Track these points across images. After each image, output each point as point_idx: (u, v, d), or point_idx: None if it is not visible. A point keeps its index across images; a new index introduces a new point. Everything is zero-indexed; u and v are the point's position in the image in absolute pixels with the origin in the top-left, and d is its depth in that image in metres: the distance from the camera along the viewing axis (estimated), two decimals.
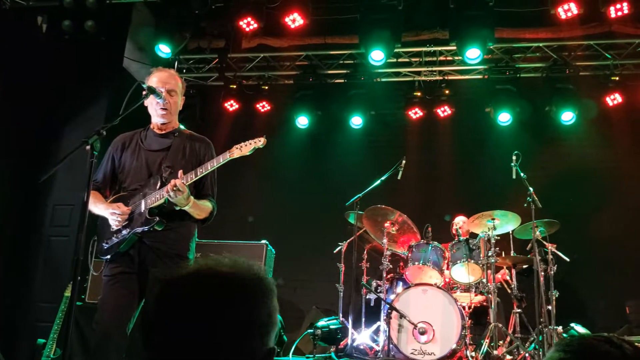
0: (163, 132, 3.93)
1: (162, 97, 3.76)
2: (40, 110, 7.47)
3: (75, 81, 7.59)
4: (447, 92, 8.59)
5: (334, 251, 6.92)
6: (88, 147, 3.15)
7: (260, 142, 3.67)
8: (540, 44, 8.24)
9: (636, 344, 1.21)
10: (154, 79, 3.87)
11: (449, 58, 8.53)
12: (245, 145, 3.65)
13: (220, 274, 1.32)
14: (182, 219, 3.74)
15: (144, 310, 3.56)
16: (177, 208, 3.63)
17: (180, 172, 3.59)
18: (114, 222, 3.68)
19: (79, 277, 3.07)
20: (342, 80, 8.83)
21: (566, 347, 1.23)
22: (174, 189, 3.48)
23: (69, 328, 2.95)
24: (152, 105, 3.87)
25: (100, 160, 3.88)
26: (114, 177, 3.92)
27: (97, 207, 3.74)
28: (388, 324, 5.57)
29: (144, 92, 3.71)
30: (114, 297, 3.58)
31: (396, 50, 8.08)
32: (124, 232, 3.67)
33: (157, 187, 3.68)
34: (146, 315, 1.33)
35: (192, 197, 3.63)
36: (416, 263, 6.17)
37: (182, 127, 4.08)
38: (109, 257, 3.70)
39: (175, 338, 1.26)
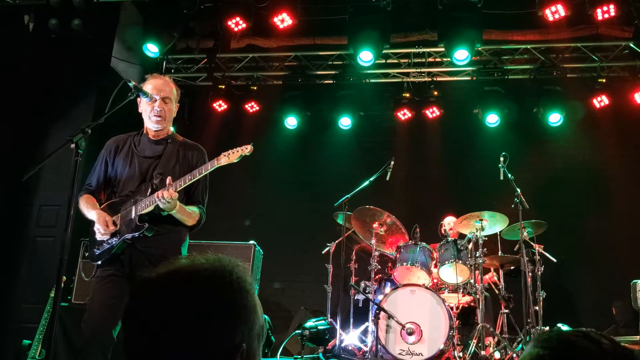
0: (156, 138, 3.92)
1: (149, 96, 3.74)
2: (26, 109, 7.40)
3: (62, 81, 7.52)
4: (435, 93, 8.61)
5: (322, 252, 6.90)
6: (73, 146, 3.14)
7: (247, 149, 3.68)
8: (528, 46, 8.28)
9: (622, 344, 1.22)
10: (149, 86, 3.84)
11: (438, 59, 8.55)
12: (233, 153, 3.66)
13: (183, 271, 1.34)
14: (173, 224, 3.75)
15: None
16: (164, 213, 3.63)
17: (169, 178, 3.59)
18: (98, 236, 3.70)
19: (64, 277, 3.05)
20: (331, 81, 8.82)
21: (544, 343, 1.23)
22: (163, 199, 3.50)
23: (52, 328, 2.92)
24: (146, 112, 3.85)
25: (86, 159, 3.84)
26: (108, 181, 3.91)
27: (90, 212, 3.76)
28: (376, 324, 5.56)
29: (129, 93, 3.68)
30: (103, 298, 3.59)
31: (385, 51, 8.09)
32: (114, 239, 3.69)
33: (148, 194, 3.69)
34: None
35: (178, 202, 3.64)
36: (404, 264, 6.17)
37: (174, 132, 4.06)
38: (99, 262, 3.71)
39: (140, 335, 1.28)
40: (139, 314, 1.30)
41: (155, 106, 3.80)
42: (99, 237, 3.69)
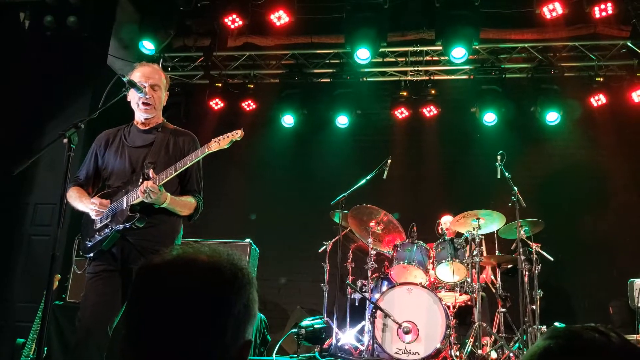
0: (146, 127, 3.86)
1: (142, 91, 3.70)
2: (22, 107, 7.37)
3: (58, 78, 7.50)
4: (433, 92, 8.60)
5: (319, 250, 6.88)
6: (65, 141, 3.10)
7: (237, 134, 3.61)
8: (526, 45, 8.27)
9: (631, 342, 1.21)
10: (137, 74, 3.80)
11: (435, 58, 8.53)
12: (223, 139, 3.60)
13: (197, 262, 1.30)
14: (166, 215, 3.69)
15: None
16: (156, 206, 3.58)
17: (151, 171, 3.53)
18: (93, 214, 3.63)
19: (59, 276, 3.03)
20: (328, 80, 8.79)
21: (552, 333, 1.24)
22: (145, 192, 3.44)
23: (44, 325, 2.89)
24: (135, 100, 3.78)
25: (80, 155, 3.81)
26: (97, 174, 3.86)
27: (82, 202, 3.69)
28: (372, 323, 5.54)
29: (123, 88, 3.64)
30: (97, 294, 3.53)
31: (382, 49, 8.08)
32: (106, 230, 3.62)
33: (139, 183, 3.61)
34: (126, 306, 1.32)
35: (168, 195, 3.58)
36: (401, 262, 6.16)
37: (165, 120, 4.01)
38: (92, 254, 3.65)
39: (150, 328, 1.25)
40: (151, 310, 1.26)
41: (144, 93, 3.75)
42: (94, 216, 3.63)
